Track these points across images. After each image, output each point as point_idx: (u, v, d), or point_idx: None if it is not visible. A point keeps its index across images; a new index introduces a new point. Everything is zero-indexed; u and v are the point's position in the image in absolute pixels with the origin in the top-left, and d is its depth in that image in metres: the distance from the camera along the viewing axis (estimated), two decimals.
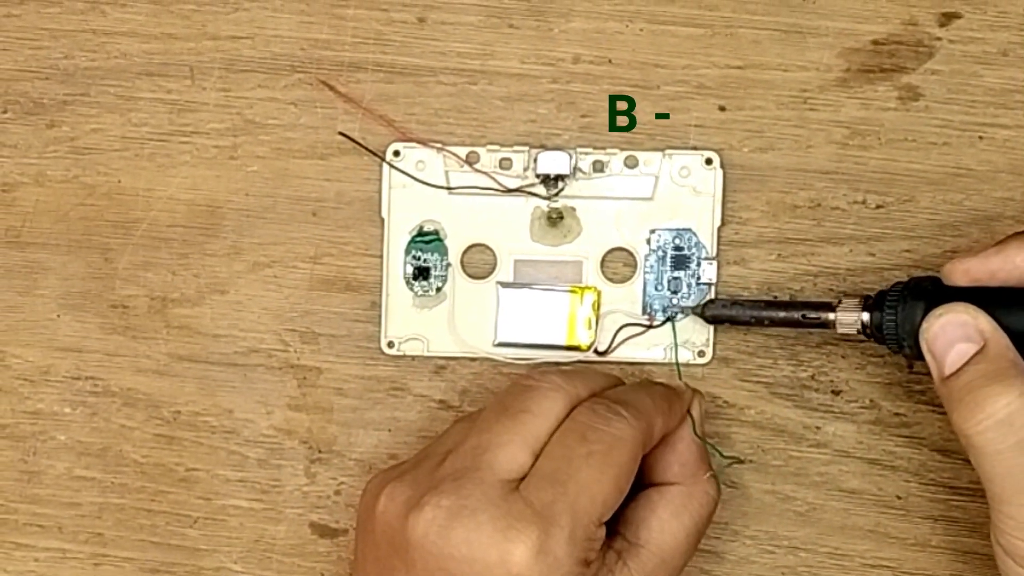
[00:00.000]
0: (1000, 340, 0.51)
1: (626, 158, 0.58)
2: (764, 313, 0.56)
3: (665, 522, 0.53)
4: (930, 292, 0.52)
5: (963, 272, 0.52)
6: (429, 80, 0.58)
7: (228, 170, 0.59)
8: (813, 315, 0.55)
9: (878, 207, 0.58)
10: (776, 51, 0.58)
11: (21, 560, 0.59)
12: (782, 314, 0.56)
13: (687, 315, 0.58)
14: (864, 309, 0.54)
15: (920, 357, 0.52)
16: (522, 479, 0.51)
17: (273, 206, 0.59)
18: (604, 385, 0.54)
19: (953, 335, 0.51)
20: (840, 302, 0.55)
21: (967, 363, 0.51)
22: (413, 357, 0.58)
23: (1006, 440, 0.49)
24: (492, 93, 0.58)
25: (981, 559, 0.58)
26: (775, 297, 0.57)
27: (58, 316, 0.59)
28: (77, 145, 0.59)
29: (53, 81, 0.59)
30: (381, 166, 0.58)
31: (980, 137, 0.58)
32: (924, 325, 0.52)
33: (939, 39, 0.58)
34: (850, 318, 0.54)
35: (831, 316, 0.55)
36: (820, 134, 0.58)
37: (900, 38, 0.58)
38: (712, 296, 0.58)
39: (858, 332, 0.54)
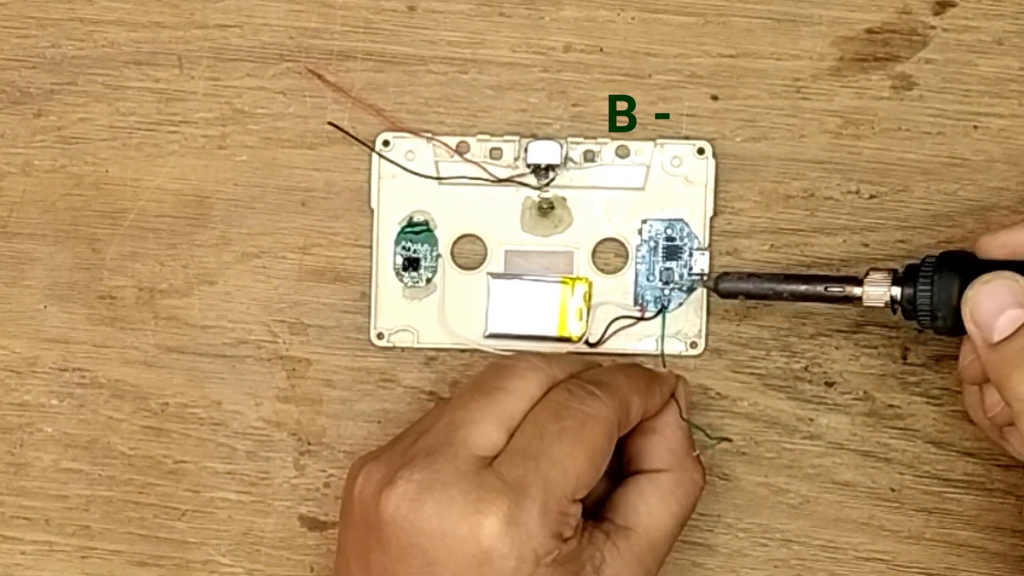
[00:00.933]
0: None
1: (617, 148, 0.57)
2: (783, 287, 0.54)
3: (654, 507, 0.53)
4: (966, 264, 0.52)
5: (1000, 245, 0.52)
6: (419, 69, 0.58)
7: (216, 160, 0.58)
8: (836, 288, 0.54)
9: (872, 197, 0.57)
10: (769, 40, 0.57)
11: (8, 553, 0.59)
12: (803, 287, 0.54)
13: (698, 287, 0.57)
14: (894, 283, 0.53)
15: (954, 331, 0.52)
16: (496, 456, 0.51)
17: (262, 196, 0.58)
18: (582, 369, 0.54)
19: (1003, 301, 0.50)
20: (868, 275, 0.54)
21: (1020, 328, 0.50)
22: (403, 348, 0.58)
23: None
24: (483, 82, 0.58)
25: (975, 552, 0.58)
26: (803, 269, 0.57)
27: (45, 307, 0.59)
28: (64, 134, 0.59)
29: (40, 70, 0.59)
30: (370, 156, 0.58)
31: (975, 126, 0.57)
32: (968, 292, 0.51)
33: (933, 28, 0.57)
34: (878, 291, 0.53)
35: (857, 291, 0.53)
36: (813, 123, 0.57)
37: (894, 27, 0.57)
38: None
39: (885, 305, 0.53)
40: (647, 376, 0.54)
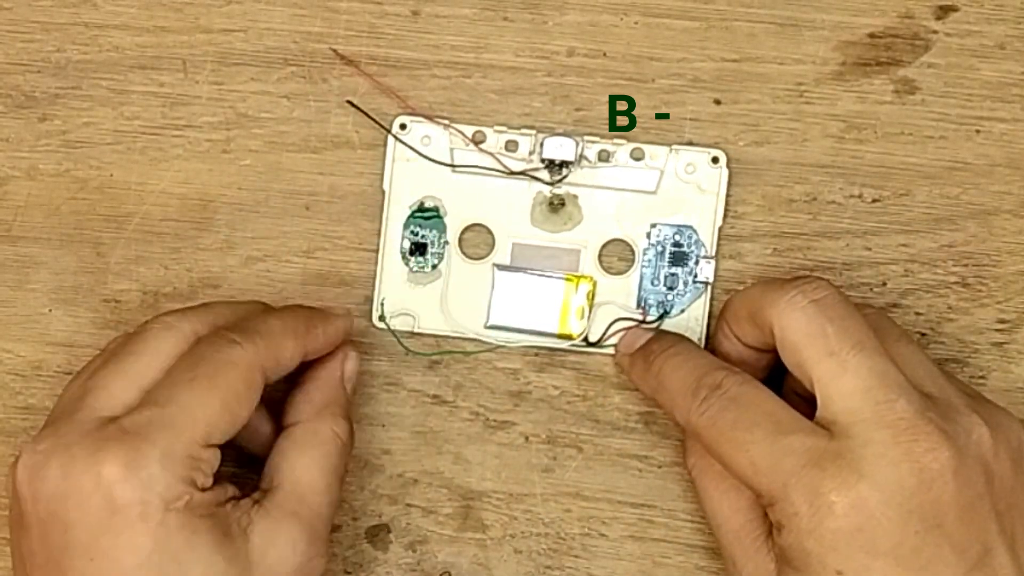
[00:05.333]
0: None
1: (632, 150, 0.58)
2: None
3: (294, 460, 0.53)
4: None
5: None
6: (423, 73, 0.58)
7: (221, 164, 0.59)
8: None
9: (874, 201, 0.58)
10: (772, 44, 0.58)
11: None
12: None
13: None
14: None
15: None
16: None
17: (266, 200, 0.58)
18: (236, 316, 0.54)
19: None
20: None
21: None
22: (407, 351, 0.58)
23: None
24: (486, 86, 0.58)
25: None
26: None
27: (50, 310, 0.59)
28: (69, 139, 0.59)
29: (45, 74, 0.59)
30: (384, 148, 0.58)
31: (977, 131, 0.57)
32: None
33: (935, 32, 0.57)
34: None
35: None
36: (816, 128, 0.58)
37: (896, 31, 0.57)
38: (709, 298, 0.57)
39: None
40: (307, 317, 0.54)
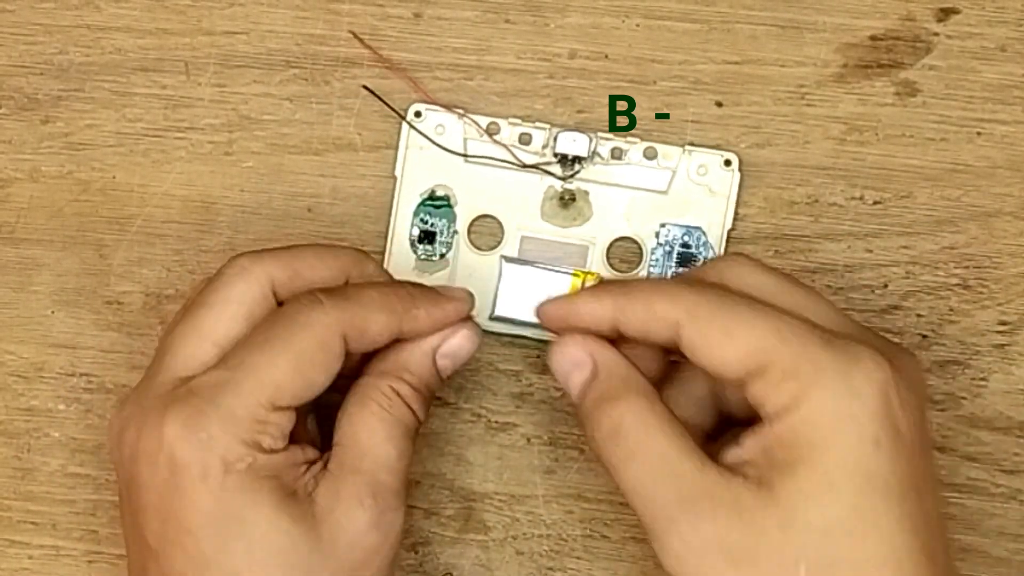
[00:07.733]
0: (607, 363, 0.51)
1: (645, 149, 0.58)
2: None
3: (353, 415, 0.52)
4: None
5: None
6: (425, 75, 0.58)
7: (223, 166, 0.59)
8: None
9: (875, 203, 0.58)
10: (773, 46, 0.58)
11: (15, 557, 0.59)
12: None
13: None
14: None
15: None
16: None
17: (268, 202, 0.58)
18: (324, 264, 0.52)
19: (567, 364, 0.52)
20: None
21: (586, 387, 0.51)
22: None
23: (616, 452, 0.50)
24: (488, 88, 0.58)
25: (980, 556, 0.58)
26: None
27: (52, 312, 0.59)
28: (72, 141, 0.59)
29: (48, 76, 0.59)
30: (387, 150, 0.58)
31: (978, 133, 0.57)
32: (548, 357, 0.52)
33: (937, 34, 0.58)
34: None
35: None
36: (817, 130, 0.58)
37: (898, 33, 0.58)
38: None
39: None
40: (409, 294, 0.52)
